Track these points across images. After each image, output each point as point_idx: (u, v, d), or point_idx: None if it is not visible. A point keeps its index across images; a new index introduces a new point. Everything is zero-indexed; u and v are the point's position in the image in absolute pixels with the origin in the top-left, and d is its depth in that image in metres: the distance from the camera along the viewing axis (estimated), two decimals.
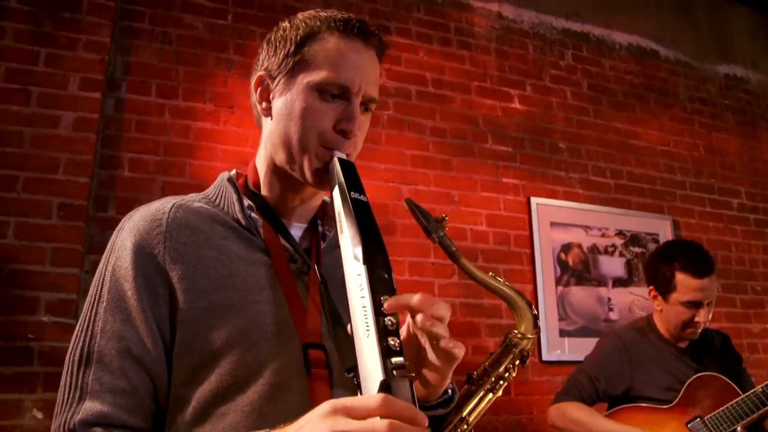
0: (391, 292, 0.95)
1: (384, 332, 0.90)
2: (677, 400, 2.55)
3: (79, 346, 1.04)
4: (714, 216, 4.77)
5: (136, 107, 3.25)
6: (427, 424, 0.82)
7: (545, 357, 3.83)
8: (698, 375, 2.59)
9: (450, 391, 1.20)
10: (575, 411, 2.63)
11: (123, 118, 3.21)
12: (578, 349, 3.90)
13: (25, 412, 2.62)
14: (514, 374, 1.21)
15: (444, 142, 3.95)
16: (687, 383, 2.57)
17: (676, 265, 2.56)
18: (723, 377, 2.60)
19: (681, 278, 2.54)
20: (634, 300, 4.20)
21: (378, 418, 0.78)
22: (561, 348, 3.89)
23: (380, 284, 0.95)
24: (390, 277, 0.98)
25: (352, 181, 1.07)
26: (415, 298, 0.96)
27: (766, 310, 4.76)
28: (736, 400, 2.47)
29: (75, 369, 1.02)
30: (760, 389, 2.43)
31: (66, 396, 1.01)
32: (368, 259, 0.96)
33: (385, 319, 0.91)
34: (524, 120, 4.26)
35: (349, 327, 0.97)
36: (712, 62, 5.30)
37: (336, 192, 1.07)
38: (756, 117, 5.36)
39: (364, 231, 0.99)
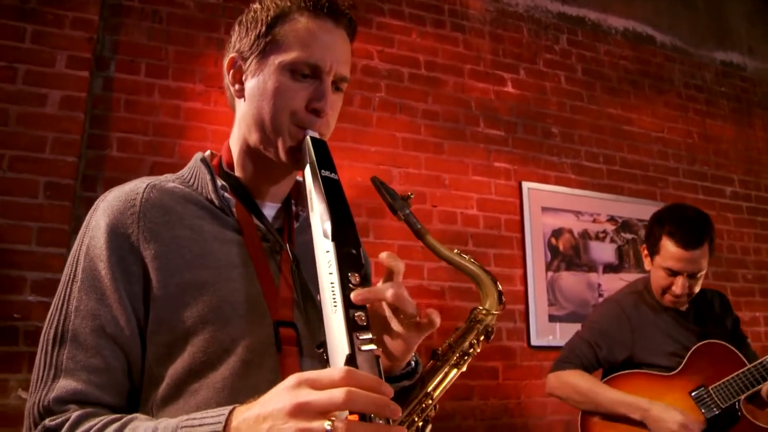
0: (359, 268, 0.97)
1: (350, 307, 0.92)
2: (681, 367, 2.51)
3: (54, 325, 1.05)
4: (707, 203, 4.76)
5: (125, 86, 3.23)
6: (392, 395, 0.83)
7: (534, 342, 3.83)
8: (703, 342, 2.53)
9: (414, 362, 1.23)
10: (577, 379, 2.58)
11: (112, 98, 3.19)
12: (568, 335, 3.88)
13: (10, 391, 2.61)
14: (478, 350, 1.23)
15: (436, 125, 3.93)
16: (691, 350, 2.52)
17: (666, 229, 2.50)
18: (728, 345, 2.55)
19: (666, 243, 2.49)
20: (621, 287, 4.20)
21: (343, 388, 0.79)
22: (552, 333, 3.90)
23: (348, 261, 0.97)
24: (358, 253, 1.00)
25: (324, 159, 1.09)
26: (389, 293, 0.99)
27: (757, 299, 4.77)
28: (741, 371, 2.43)
29: (49, 348, 1.03)
30: (766, 360, 2.40)
31: (40, 374, 1.02)
32: (337, 236, 0.98)
33: (352, 295, 0.93)
34: (517, 104, 4.24)
35: (316, 286, 0.99)
36: (709, 49, 5.27)
37: (307, 170, 1.09)
38: (751, 104, 5.34)
39: (333, 208, 1.01)
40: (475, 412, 3.56)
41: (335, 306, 0.93)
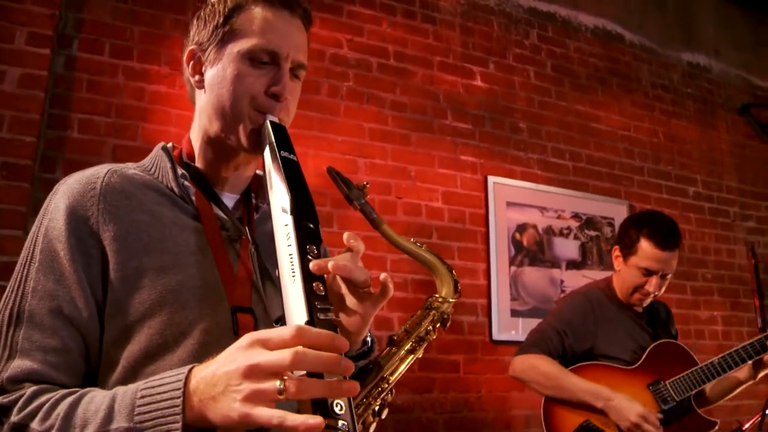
0: (318, 242, 1.01)
1: (309, 277, 0.95)
2: (639, 362, 2.68)
3: (9, 305, 1.04)
4: (670, 202, 4.83)
5: (88, 66, 3.16)
6: (346, 349, 0.86)
7: (495, 336, 3.85)
8: (661, 341, 2.74)
9: (369, 341, 1.26)
10: (544, 364, 2.66)
11: (74, 77, 3.12)
12: (529, 330, 3.92)
13: None
14: (434, 336, 1.26)
15: (403, 116, 3.92)
16: (650, 347, 2.70)
17: (644, 231, 2.68)
18: (682, 345, 2.77)
19: (644, 245, 2.66)
20: (586, 282, 4.23)
21: (290, 348, 0.81)
22: (514, 328, 3.92)
23: (306, 233, 1.00)
24: (317, 228, 1.03)
25: (283, 142, 1.12)
26: (344, 260, 1.03)
27: (715, 298, 4.85)
28: (695, 368, 2.65)
29: (4, 329, 1.03)
30: (717, 360, 2.63)
31: None
32: (295, 210, 1.01)
33: (311, 264, 0.95)
34: (485, 98, 4.24)
35: (276, 273, 1.02)
36: (676, 49, 5.33)
37: (267, 151, 1.12)
38: (716, 106, 5.41)
39: (292, 185, 1.04)
40: (436, 405, 3.57)
41: (293, 276, 0.95)
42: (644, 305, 2.79)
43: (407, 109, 3.94)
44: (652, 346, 2.71)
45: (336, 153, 3.61)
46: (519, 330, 3.93)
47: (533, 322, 3.92)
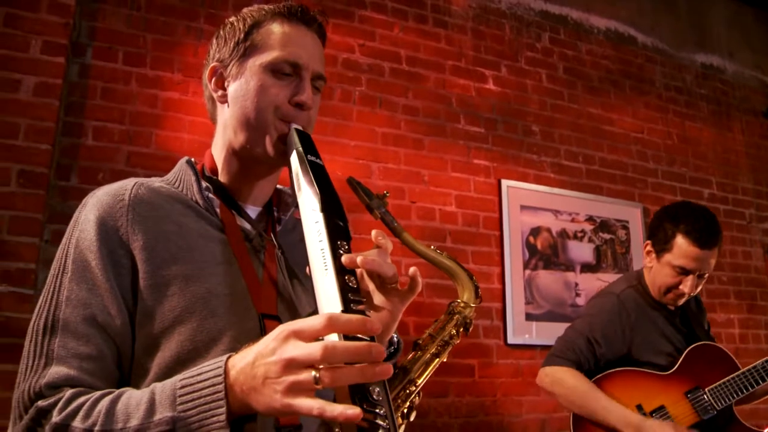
0: (348, 238, 1.03)
1: (341, 270, 0.97)
2: (676, 367, 2.51)
3: (44, 315, 1.06)
4: None
5: (102, 74, 3.18)
6: (379, 332, 0.88)
7: (510, 340, 3.83)
8: (697, 344, 2.54)
9: (396, 342, 1.30)
10: (574, 380, 2.48)
11: (88, 85, 3.14)
12: (544, 334, 3.92)
13: None
14: (458, 340, 1.30)
15: (416, 120, 3.92)
16: (686, 351, 2.52)
17: (681, 227, 2.47)
18: (721, 347, 2.58)
19: (680, 242, 2.46)
20: (601, 286, 4.18)
21: (322, 340, 0.85)
22: (528, 332, 3.90)
23: (337, 230, 1.02)
24: (346, 226, 1.05)
25: (309, 147, 1.15)
26: (375, 255, 1.07)
27: (731, 301, 4.81)
28: (737, 374, 2.47)
29: (39, 337, 1.05)
30: (760, 364, 2.45)
31: (30, 363, 1.03)
32: (325, 209, 1.04)
33: (342, 258, 0.98)
34: (498, 101, 4.24)
35: (307, 269, 1.03)
36: (690, 51, 5.30)
37: (294, 156, 1.14)
38: (730, 107, 5.38)
39: (321, 185, 1.07)
40: (451, 409, 3.56)
41: (326, 269, 0.97)
42: (678, 305, 2.61)
43: (420, 114, 3.94)
44: (688, 349, 2.52)
45: (349, 158, 3.61)
46: (533, 334, 3.91)
47: (548, 326, 3.94)
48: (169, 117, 3.26)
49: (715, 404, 2.45)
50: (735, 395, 2.45)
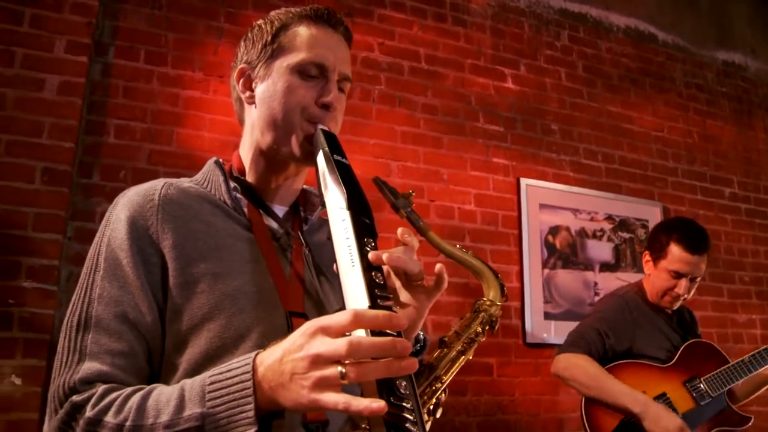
0: (374, 236, 1.04)
1: (368, 267, 0.98)
2: (674, 360, 2.79)
3: (77, 312, 1.09)
4: (705, 204, 4.76)
5: (124, 73, 3.21)
6: (405, 326, 0.90)
7: (529, 339, 3.83)
8: (693, 341, 2.86)
9: (422, 339, 1.33)
10: (586, 363, 2.72)
11: (110, 84, 3.17)
12: (563, 333, 3.88)
13: (4, 377, 2.60)
14: (483, 338, 1.31)
15: (435, 119, 3.92)
16: (683, 346, 2.82)
17: (674, 236, 2.80)
18: (713, 344, 2.90)
19: (674, 249, 2.78)
20: (620, 285, 4.19)
21: (347, 335, 0.87)
22: (547, 331, 3.89)
23: (364, 227, 1.03)
24: (372, 223, 1.06)
25: (335, 147, 1.16)
26: (401, 252, 1.08)
27: (753, 301, 4.77)
28: (728, 365, 2.78)
29: (73, 334, 1.07)
30: (747, 358, 2.78)
31: (64, 359, 1.06)
32: (352, 206, 1.05)
33: (369, 255, 0.99)
34: (517, 100, 4.23)
35: (334, 266, 1.04)
36: (711, 48, 5.26)
37: (320, 156, 1.16)
38: (752, 105, 5.33)
39: (347, 183, 1.08)
40: (469, 408, 3.56)
41: (353, 266, 0.98)
42: (674, 307, 2.89)
43: (439, 112, 3.94)
44: (684, 344, 2.83)
45: (368, 156, 3.62)
46: (552, 333, 3.90)
47: (566, 325, 3.92)
48: (190, 115, 3.29)
49: (710, 392, 2.73)
50: (727, 383, 2.74)
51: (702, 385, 2.74)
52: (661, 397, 2.69)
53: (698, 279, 2.83)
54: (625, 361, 2.78)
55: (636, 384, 2.68)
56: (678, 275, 2.78)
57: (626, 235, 4.35)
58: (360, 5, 3.85)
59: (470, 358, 1.29)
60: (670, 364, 2.78)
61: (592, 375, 2.69)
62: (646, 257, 2.95)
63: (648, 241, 2.98)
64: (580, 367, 2.73)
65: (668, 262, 2.79)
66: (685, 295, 2.80)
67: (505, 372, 3.73)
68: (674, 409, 2.66)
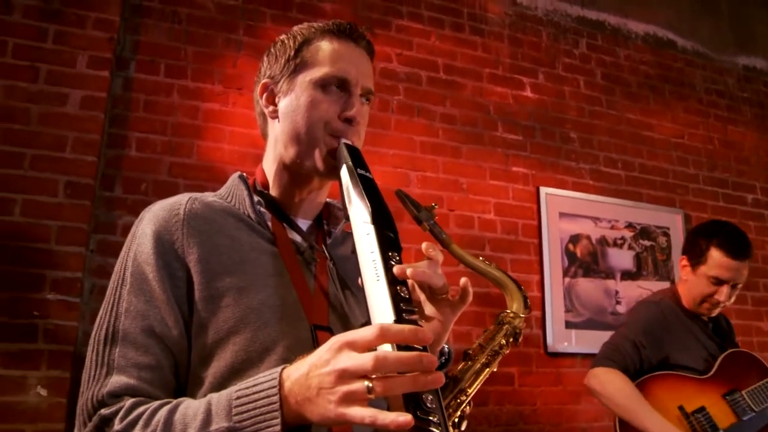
0: (398, 249, 1.04)
1: (393, 281, 0.98)
2: (713, 371, 2.65)
3: (104, 326, 1.10)
4: (727, 211, 4.72)
5: (145, 87, 3.25)
6: (430, 341, 0.90)
7: (550, 349, 3.81)
8: (732, 351, 2.73)
9: (447, 352, 1.33)
10: (622, 383, 2.57)
11: (131, 98, 3.21)
12: (584, 342, 3.88)
13: (29, 388, 2.63)
14: (507, 350, 1.32)
15: (454, 128, 3.92)
16: (721, 357, 2.68)
17: (714, 241, 2.67)
18: (754, 354, 2.78)
19: (714, 254, 2.65)
20: (642, 294, 4.14)
21: (371, 354, 0.86)
22: (568, 340, 3.87)
23: (388, 241, 1.04)
24: (396, 237, 1.06)
25: (359, 161, 1.16)
26: (426, 266, 1.08)
27: None
28: None
29: (101, 348, 1.09)
30: None
31: (92, 373, 1.07)
32: (376, 220, 1.05)
33: (394, 269, 0.99)
34: (536, 108, 4.22)
35: (359, 280, 1.03)
36: (732, 53, 5.21)
37: (344, 170, 1.16)
38: None
39: (371, 197, 1.08)
40: (491, 418, 3.54)
41: (378, 280, 0.98)
42: (713, 315, 2.77)
43: (457, 122, 3.94)
44: (723, 355, 2.69)
45: (387, 166, 3.63)
46: (573, 342, 3.88)
47: (588, 334, 3.91)
48: (210, 128, 3.31)
49: (753, 406, 2.60)
50: None
51: (744, 399, 2.60)
52: (700, 412, 2.56)
53: (739, 286, 2.69)
54: (660, 372, 2.65)
55: (673, 397, 2.58)
56: (719, 281, 2.64)
57: (647, 243, 4.32)
58: (378, 16, 3.87)
59: (495, 370, 1.29)
60: (709, 375, 2.64)
61: (626, 396, 2.54)
62: (683, 262, 2.80)
63: (686, 245, 2.85)
64: (614, 386, 2.57)
65: (708, 267, 2.66)
66: (726, 303, 2.68)
67: (526, 382, 3.71)
68: (715, 425, 2.52)
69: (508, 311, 1.33)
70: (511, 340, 1.31)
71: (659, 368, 2.66)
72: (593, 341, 3.89)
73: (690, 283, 2.75)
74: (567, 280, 3.98)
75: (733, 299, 2.71)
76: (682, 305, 2.78)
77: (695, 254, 2.73)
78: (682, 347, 2.69)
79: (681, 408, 2.56)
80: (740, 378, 2.65)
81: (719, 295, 2.65)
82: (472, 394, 1.26)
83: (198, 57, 3.39)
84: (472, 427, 3.47)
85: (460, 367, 1.29)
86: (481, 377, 1.28)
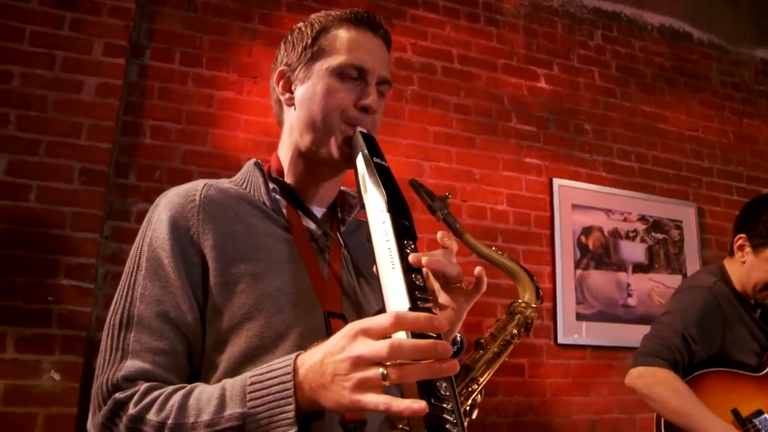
0: (414, 238, 1.04)
1: (408, 269, 0.98)
2: None
3: (119, 311, 1.11)
4: (741, 204, 4.54)
5: (160, 75, 3.26)
6: (445, 329, 0.90)
7: (561, 340, 3.81)
8: None
9: (459, 341, 1.34)
10: (674, 382, 2.24)
11: (146, 85, 3.22)
12: (595, 334, 3.88)
13: (43, 372, 2.66)
14: (518, 340, 1.32)
15: (468, 119, 3.91)
16: None
17: None
18: None
19: None
20: (653, 287, 4.15)
21: (387, 341, 0.86)
22: (578, 332, 3.87)
23: (403, 229, 1.04)
24: (412, 226, 1.06)
25: (374, 150, 1.17)
26: (441, 254, 1.09)
27: None
28: None
29: (116, 332, 1.09)
30: None
31: (107, 357, 1.08)
32: (391, 209, 1.05)
33: (409, 257, 0.99)
34: (550, 100, 4.21)
35: (374, 268, 1.04)
36: (749, 46, 5.15)
37: (359, 158, 1.16)
38: None
39: (387, 186, 1.08)
40: (500, 408, 3.55)
41: (393, 268, 0.99)
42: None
43: (471, 112, 3.93)
44: None
45: (401, 156, 3.63)
46: (583, 334, 3.88)
47: (598, 326, 3.90)
48: (225, 116, 3.32)
49: None
50: None
51: None
52: (757, 416, 2.26)
53: None
54: (712, 369, 2.34)
55: (727, 399, 2.27)
56: None
57: (660, 236, 4.31)
58: (393, 5, 3.86)
59: (506, 359, 1.30)
60: (765, 372, 2.34)
61: (681, 400, 2.21)
62: (741, 241, 2.46)
63: (744, 222, 2.52)
64: (665, 387, 2.24)
65: None
66: None
67: (536, 373, 3.71)
68: None
69: (520, 301, 1.33)
70: (522, 329, 1.31)
71: (710, 364, 2.35)
72: (604, 333, 3.90)
73: (750, 266, 2.41)
74: (579, 272, 3.97)
75: None
76: (735, 288, 2.45)
77: (759, 233, 2.40)
78: (734, 340, 2.38)
79: (735, 411, 2.27)
80: None
81: None
82: (483, 383, 1.27)
83: (213, 45, 3.40)
84: (482, 417, 3.48)
85: (471, 356, 1.30)
86: (493, 366, 1.29)
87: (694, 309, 2.36)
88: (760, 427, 2.24)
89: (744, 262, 2.44)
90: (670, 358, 2.28)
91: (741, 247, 2.46)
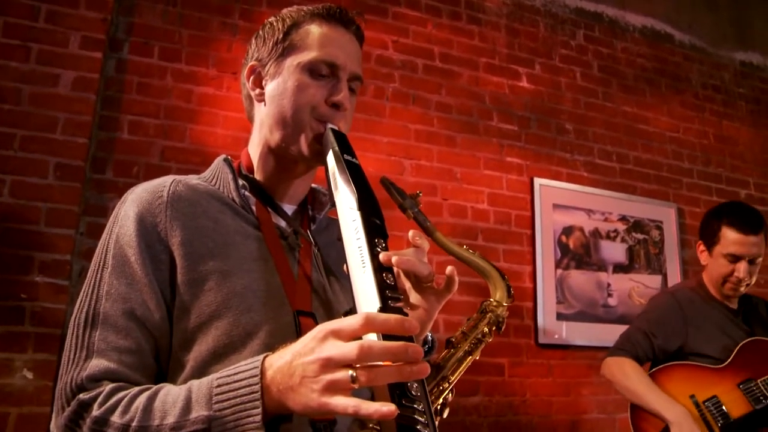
0: (385, 236, 1.03)
1: (379, 268, 0.97)
2: (729, 360, 2.65)
3: (85, 308, 1.09)
4: None
5: (138, 69, 3.22)
6: (417, 331, 0.88)
7: (541, 340, 3.80)
8: (752, 339, 2.70)
9: (430, 341, 1.34)
10: (629, 368, 2.70)
11: (124, 80, 3.18)
12: (575, 334, 3.88)
13: (16, 371, 2.61)
14: (490, 339, 1.30)
15: (449, 117, 3.90)
16: (740, 345, 2.67)
17: (724, 220, 2.72)
18: None
19: (725, 232, 2.70)
20: (633, 287, 4.16)
21: (356, 343, 0.85)
22: (559, 332, 3.87)
23: (374, 228, 1.03)
24: (383, 224, 1.05)
25: (345, 147, 1.16)
26: (411, 253, 1.08)
27: None
28: None
29: (81, 331, 1.07)
30: None
31: (72, 356, 1.05)
32: (362, 207, 1.04)
33: (380, 256, 0.98)
34: (531, 99, 4.20)
35: (345, 267, 1.03)
36: (729, 48, 5.20)
37: (330, 156, 1.15)
38: None
39: (357, 184, 1.07)
40: (480, 408, 3.54)
41: (364, 267, 0.98)
42: (738, 295, 2.79)
43: (453, 111, 3.92)
44: (742, 343, 2.68)
45: (381, 154, 3.61)
46: (564, 333, 3.88)
47: (579, 326, 3.91)
48: (204, 112, 3.29)
49: (767, 394, 2.58)
50: None
51: (759, 387, 2.58)
52: (711, 400, 2.59)
53: (758, 260, 2.71)
54: (674, 362, 2.71)
55: (685, 387, 2.62)
56: (735, 258, 2.68)
57: (640, 236, 4.32)
58: (374, 2, 3.84)
59: (477, 358, 1.29)
60: (725, 364, 2.65)
61: (633, 380, 2.67)
62: (701, 248, 2.87)
63: (700, 231, 2.89)
64: (622, 372, 2.71)
65: (722, 246, 2.71)
66: (747, 280, 2.70)
67: (516, 372, 3.71)
68: (726, 413, 2.54)
69: (491, 300, 1.32)
70: (494, 328, 1.29)
71: (675, 357, 2.72)
72: (584, 333, 3.90)
73: (710, 267, 2.81)
74: (559, 271, 3.97)
75: (754, 277, 2.73)
76: (708, 292, 2.82)
77: (708, 236, 2.79)
78: (699, 336, 2.72)
79: (692, 397, 2.59)
80: (758, 366, 2.64)
81: (738, 272, 2.68)
82: (454, 382, 1.25)
83: (193, 40, 3.36)
84: (461, 417, 3.47)
85: (443, 354, 1.29)
86: (464, 365, 1.27)
87: (655, 310, 2.85)
88: (712, 408, 2.57)
89: (706, 265, 2.85)
90: (632, 351, 2.76)
91: (702, 253, 2.88)
